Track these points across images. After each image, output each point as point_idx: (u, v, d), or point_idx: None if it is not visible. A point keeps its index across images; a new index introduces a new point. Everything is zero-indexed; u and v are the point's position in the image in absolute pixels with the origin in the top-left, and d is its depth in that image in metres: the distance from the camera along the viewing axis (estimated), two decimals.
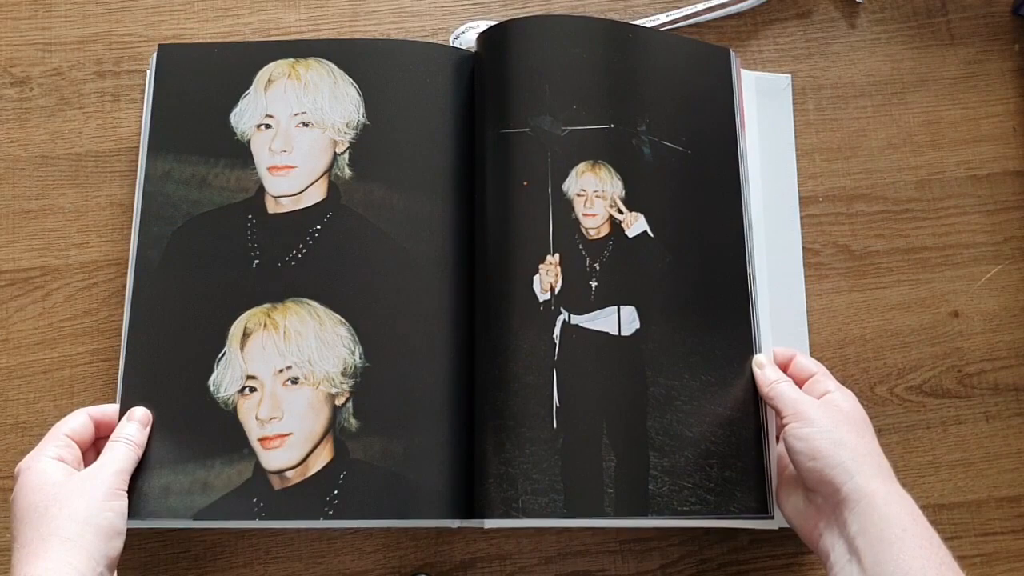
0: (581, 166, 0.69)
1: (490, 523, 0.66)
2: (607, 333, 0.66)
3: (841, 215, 0.76)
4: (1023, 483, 0.72)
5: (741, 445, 0.66)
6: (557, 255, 0.67)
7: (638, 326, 0.67)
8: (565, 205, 0.68)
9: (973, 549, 0.70)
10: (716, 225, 0.70)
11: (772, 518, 0.65)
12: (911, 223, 0.76)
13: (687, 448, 0.65)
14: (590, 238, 0.67)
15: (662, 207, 0.69)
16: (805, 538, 0.62)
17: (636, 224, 0.68)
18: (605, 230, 0.68)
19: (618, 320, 0.67)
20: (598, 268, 0.67)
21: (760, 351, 0.68)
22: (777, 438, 0.67)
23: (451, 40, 0.77)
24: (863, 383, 0.73)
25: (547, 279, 0.67)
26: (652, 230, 0.68)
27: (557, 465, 0.63)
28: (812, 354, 0.73)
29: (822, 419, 0.61)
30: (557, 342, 0.66)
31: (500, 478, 0.63)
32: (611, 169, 0.69)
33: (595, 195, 0.68)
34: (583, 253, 0.67)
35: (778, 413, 0.64)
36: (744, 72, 0.75)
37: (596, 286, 0.67)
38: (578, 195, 0.68)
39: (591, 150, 0.69)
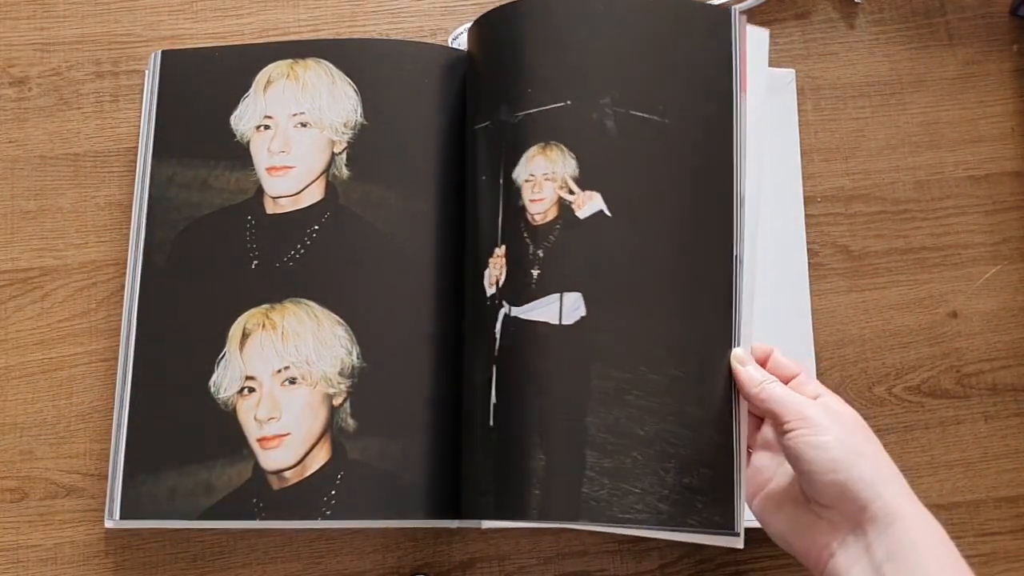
0: (532, 150, 0.65)
1: (488, 523, 0.67)
2: (547, 323, 0.62)
3: (840, 215, 0.76)
4: (1022, 483, 0.72)
5: (709, 450, 0.60)
6: (503, 247, 0.65)
7: (583, 313, 0.62)
8: (514, 194, 0.65)
9: (972, 549, 0.70)
10: (698, 200, 0.64)
11: (739, 535, 0.59)
12: (910, 223, 0.76)
13: (636, 449, 0.60)
14: (535, 224, 0.64)
15: (625, 183, 0.64)
16: (804, 557, 0.57)
17: (589, 204, 0.63)
18: (552, 214, 0.63)
19: (560, 308, 0.62)
20: (541, 255, 0.63)
21: (739, 345, 0.62)
22: (750, 446, 0.62)
23: (449, 41, 0.77)
24: (861, 383, 0.73)
25: (493, 272, 0.65)
26: (610, 209, 0.63)
27: (491, 465, 0.62)
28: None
29: (835, 426, 0.56)
30: (498, 336, 0.64)
31: (464, 479, 0.64)
32: (564, 149, 0.64)
33: (544, 178, 0.64)
34: (527, 241, 0.64)
35: (773, 418, 0.58)
36: (756, 31, 0.71)
37: (538, 274, 0.63)
38: (526, 181, 0.65)
39: (543, 132, 0.65)
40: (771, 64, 0.79)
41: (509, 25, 0.68)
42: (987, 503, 0.71)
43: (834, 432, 0.55)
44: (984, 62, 0.80)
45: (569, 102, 0.65)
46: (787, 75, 0.78)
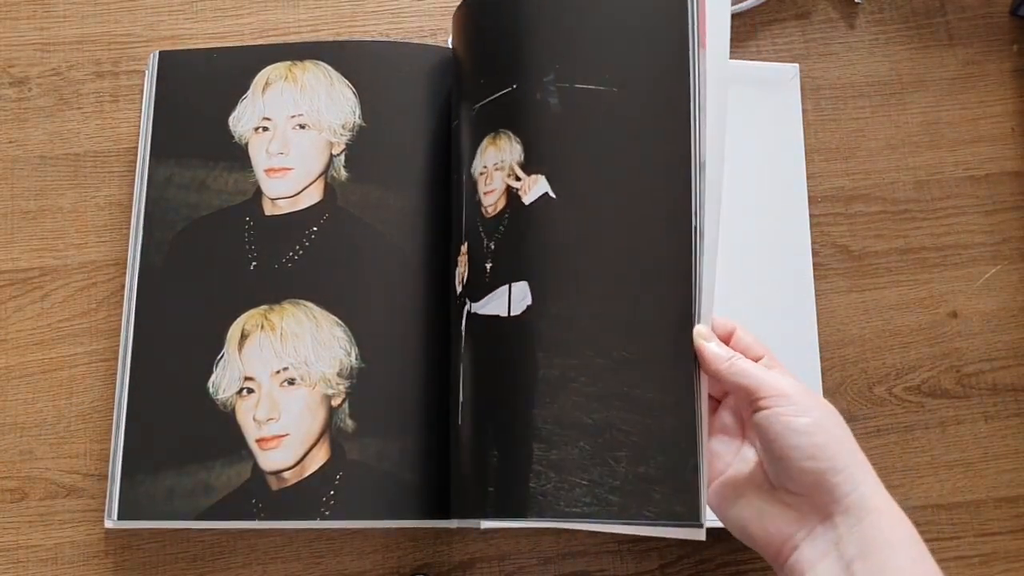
0: (484, 142, 0.64)
1: (486, 524, 0.67)
2: (498, 316, 0.60)
3: (840, 215, 0.76)
4: (1022, 483, 0.72)
5: (666, 435, 0.55)
6: (466, 244, 0.64)
7: (529, 302, 0.59)
8: (471, 188, 0.64)
9: (972, 549, 0.70)
10: (651, 169, 0.59)
11: (702, 527, 0.55)
12: (910, 223, 0.76)
13: (583, 438, 0.56)
14: (488, 216, 0.62)
15: (570, 162, 0.60)
16: (764, 548, 0.54)
17: (535, 188, 0.60)
18: (501, 204, 0.62)
19: (508, 299, 0.60)
20: (493, 247, 0.61)
21: (701, 322, 0.57)
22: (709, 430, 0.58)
23: (449, 41, 0.77)
24: (861, 383, 0.73)
25: (460, 271, 0.65)
26: (555, 189, 0.60)
27: (460, 464, 0.62)
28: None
29: (815, 408, 0.52)
30: (463, 335, 0.63)
31: (451, 479, 0.64)
32: (511, 136, 0.62)
33: (494, 168, 0.62)
34: (482, 235, 0.63)
35: (746, 394, 0.54)
36: (748, 62, 0.71)
37: (490, 267, 0.61)
38: (480, 174, 0.63)
39: (493, 121, 0.63)
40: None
41: (465, 19, 0.68)
42: (987, 503, 0.71)
43: (815, 415, 0.52)
44: (984, 62, 0.80)
45: (515, 86, 0.63)
46: (791, 70, 0.77)
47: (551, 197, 0.60)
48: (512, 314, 0.60)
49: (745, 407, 0.55)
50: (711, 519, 0.56)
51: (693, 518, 0.54)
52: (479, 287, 0.62)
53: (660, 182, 0.59)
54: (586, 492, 0.55)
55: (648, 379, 0.57)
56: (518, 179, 0.61)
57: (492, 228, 0.62)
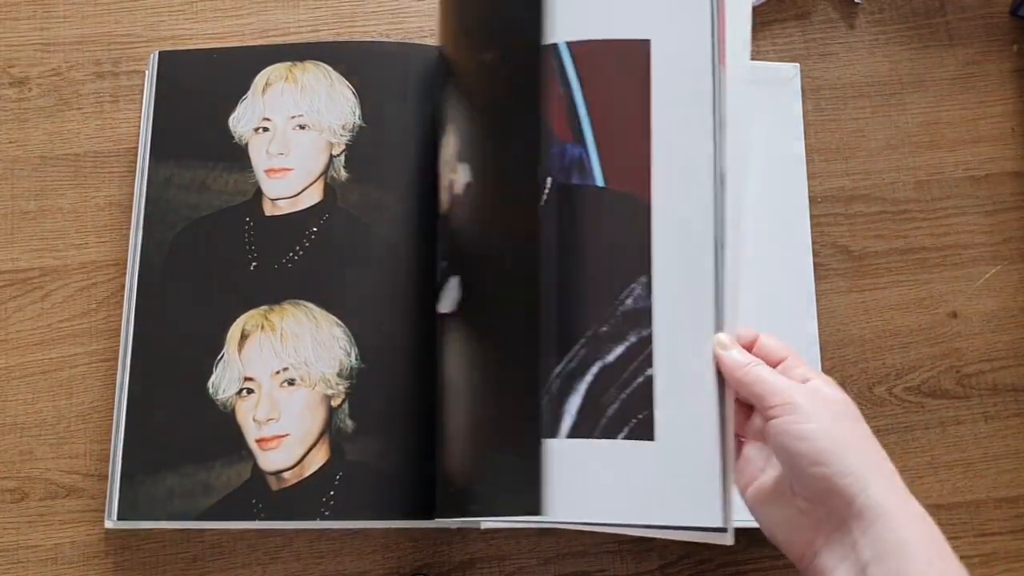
0: (443, 141, 0.65)
1: (487, 524, 0.67)
2: (444, 313, 0.61)
3: (840, 216, 0.76)
4: (1022, 483, 0.72)
5: (511, 425, 0.54)
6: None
7: (457, 297, 0.60)
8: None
9: (972, 550, 0.70)
10: (515, 140, 0.57)
11: (727, 531, 0.54)
12: (910, 224, 0.76)
13: (481, 434, 0.57)
14: (442, 214, 0.62)
15: (476, 142, 0.60)
16: (792, 555, 0.53)
17: (460, 178, 0.60)
18: (448, 201, 0.62)
19: (449, 296, 0.61)
20: (446, 246, 0.62)
21: (723, 330, 0.56)
22: (741, 435, 0.57)
23: None
24: (861, 383, 0.73)
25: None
26: (472, 175, 0.60)
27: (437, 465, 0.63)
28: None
29: (822, 413, 0.51)
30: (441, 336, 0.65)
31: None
32: (455, 129, 0.63)
33: (446, 166, 0.63)
34: (441, 234, 0.63)
35: (759, 401, 0.53)
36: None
37: (444, 265, 0.61)
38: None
39: (446, 119, 0.64)
40: None
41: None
42: (987, 503, 0.71)
43: (819, 420, 0.51)
44: (984, 62, 0.80)
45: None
46: (791, 70, 0.77)
47: (470, 184, 0.60)
48: (451, 311, 0.60)
49: (761, 414, 0.54)
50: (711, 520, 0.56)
51: (535, 512, 0.52)
52: (440, 286, 0.64)
53: (520, 151, 0.57)
54: (479, 489, 0.56)
55: (509, 366, 0.56)
56: (454, 171, 0.61)
57: (443, 226, 0.63)
